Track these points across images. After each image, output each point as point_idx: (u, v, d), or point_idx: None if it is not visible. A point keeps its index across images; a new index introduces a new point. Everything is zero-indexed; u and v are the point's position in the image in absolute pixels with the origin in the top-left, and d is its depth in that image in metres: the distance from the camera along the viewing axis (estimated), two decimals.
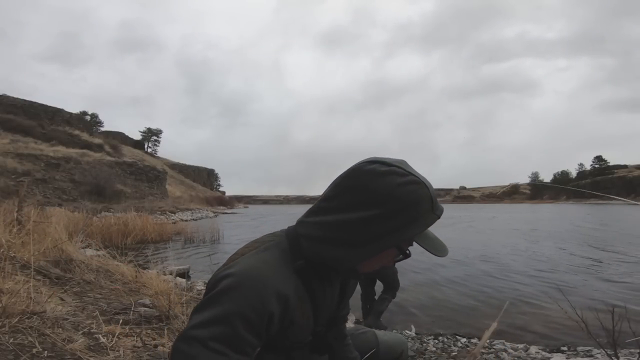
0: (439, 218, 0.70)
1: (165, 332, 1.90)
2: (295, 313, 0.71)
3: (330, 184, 0.75)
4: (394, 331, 3.36)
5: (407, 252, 0.73)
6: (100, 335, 1.66)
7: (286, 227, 0.82)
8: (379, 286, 3.38)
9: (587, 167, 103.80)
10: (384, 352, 1.02)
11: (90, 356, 1.45)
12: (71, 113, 37.60)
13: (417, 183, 0.67)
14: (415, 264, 7.02)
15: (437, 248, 0.71)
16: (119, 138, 52.88)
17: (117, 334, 1.73)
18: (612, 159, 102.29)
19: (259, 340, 0.65)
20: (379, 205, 0.65)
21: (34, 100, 33.21)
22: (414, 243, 0.72)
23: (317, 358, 0.85)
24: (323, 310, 0.81)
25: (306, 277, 0.74)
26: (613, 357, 1.62)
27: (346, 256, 0.69)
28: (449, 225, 16.34)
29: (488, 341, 3.21)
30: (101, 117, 63.20)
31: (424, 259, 7.57)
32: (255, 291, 0.64)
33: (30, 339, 1.44)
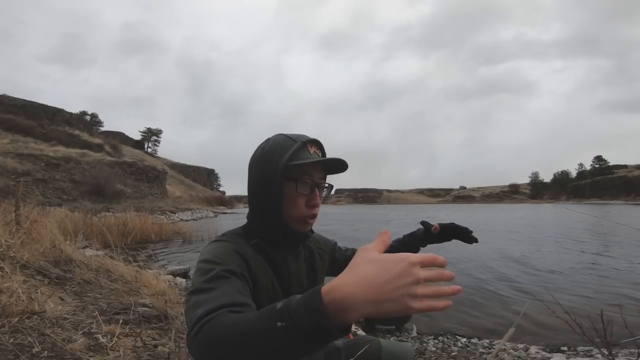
0: (300, 143, 0.81)
1: (171, 333, 1.91)
2: (261, 277, 0.78)
3: None
4: (404, 338, 3.37)
5: (323, 184, 0.86)
6: (100, 335, 1.66)
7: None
8: None
9: (587, 167, 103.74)
10: None
11: (90, 356, 1.45)
12: (71, 113, 37.60)
13: (275, 135, 0.85)
14: None
15: (325, 159, 0.84)
16: (119, 138, 52.87)
17: (117, 334, 1.73)
18: (610, 159, 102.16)
19: (247, 288, 0.70)
20: (258, 162, 0.83)
21: (37, 101, 33.28)
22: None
23: None
24: (290, 281, 0.87)
25: (261, 249, 0.83)
26: (609, 357, 1.62)
27: (268, 210, 0.83)
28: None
29: (487, 341, 3.22)
30: (104, 118, 63.36)
31: None
32: (228, 248, 0.78)
33: (30, 339, 1.44)
